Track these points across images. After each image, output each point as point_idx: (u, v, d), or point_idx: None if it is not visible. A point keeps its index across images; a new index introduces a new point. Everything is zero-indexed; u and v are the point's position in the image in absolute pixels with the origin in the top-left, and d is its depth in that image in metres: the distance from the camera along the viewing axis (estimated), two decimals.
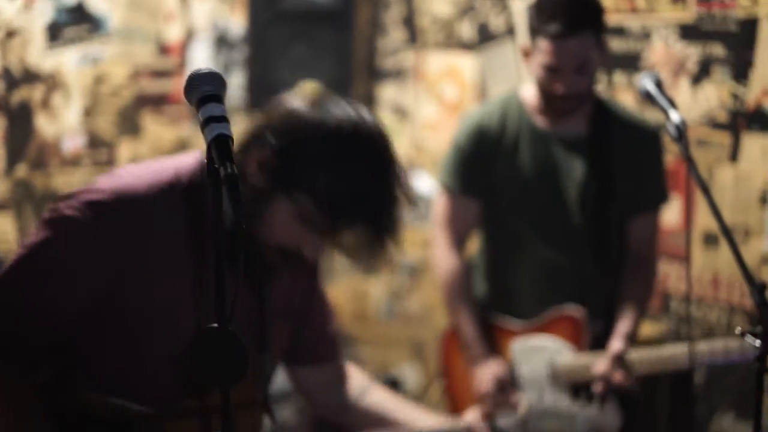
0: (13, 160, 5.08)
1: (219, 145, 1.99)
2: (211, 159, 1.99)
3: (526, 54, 3.60)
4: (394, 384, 5.06)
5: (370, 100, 5.61)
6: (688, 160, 2.82)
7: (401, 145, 5.55)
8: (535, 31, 3.50)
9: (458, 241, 3.82)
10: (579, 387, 3.65)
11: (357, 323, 5.80)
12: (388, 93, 5.60)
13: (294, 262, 2.39)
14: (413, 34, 5.43)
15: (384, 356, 5.64)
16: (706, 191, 2.74)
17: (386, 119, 5.62)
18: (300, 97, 2.40)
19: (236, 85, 5.55)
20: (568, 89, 3.50)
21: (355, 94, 5.60)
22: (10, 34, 5.06)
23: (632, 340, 3.61)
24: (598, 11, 3.56)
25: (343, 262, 5.56)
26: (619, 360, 3.51)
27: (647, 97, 3.06)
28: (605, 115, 3.72)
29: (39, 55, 5.13)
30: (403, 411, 2.86)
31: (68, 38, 5.22)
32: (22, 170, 5.06)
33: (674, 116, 2.90)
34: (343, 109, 2.35)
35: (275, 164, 2.30)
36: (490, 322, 3.82)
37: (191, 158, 2.48)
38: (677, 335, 4.42)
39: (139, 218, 2.36)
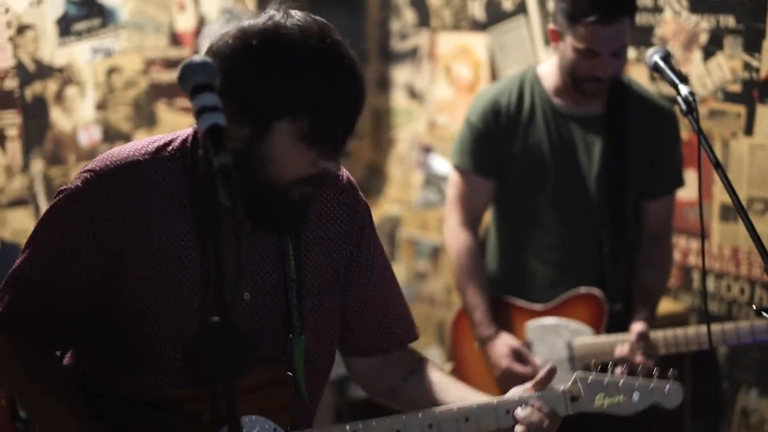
0: (30, 154, 5.10)
1: (212, 135, 1.98)
2: (207, 149, 1.97)
3: (555, 36, 3.58)
4: None
5: (384, 83, 5.59)
6: (699, 134, 2.81)
7: (417, 127, 5.53)
8: (571, 16, 3.48)
9: (471, 220, 3.80)
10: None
11: None
12: (402, 75, 5.57)
13: (320, 184, 2.34)
14: (425, 16, 5.39)
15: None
16: (718, 166, 2.72)
17: (401, 101, 5.60)
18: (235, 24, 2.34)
19: None
20: (606, 73, 3.50)
21: (366, 77, 5.57)
22: (22, 29, 5.06)
23: (652, 321, 3.58)
24: None
25: None
26: (641, 341, 3.48)
27: (656, 71, 3.05)
28: (622, 94, 3.71)
29: (51, 50, 5.13)
30: (453, 390, 2.69)
31: (80, 31, 5.21)
32: (39, 165, 5.07)
33: (683, 90, 2.89)
34: (280, 17, 2.33)
35: (250, 103, 2.25)
36: (505, 301, 3.79)
37: (186, 131, 2.46)
38: (700, 311, 4.39)
39: (138, 180, 2.35)
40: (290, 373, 2.47)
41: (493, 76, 5.07)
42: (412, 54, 5.49)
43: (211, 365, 1.95)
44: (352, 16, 5.43)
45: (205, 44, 5.30)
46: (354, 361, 2.72)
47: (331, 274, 2.54)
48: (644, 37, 4.43)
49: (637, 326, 3.52)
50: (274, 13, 2.33)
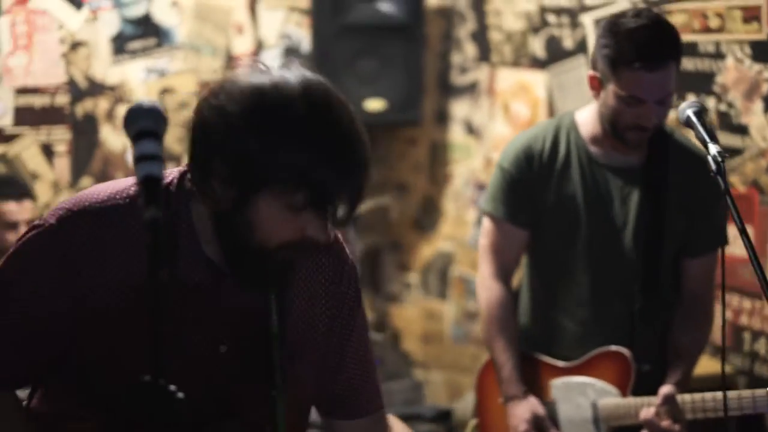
0: (78, 172, 5.08)
1: (146, 186, 1.86)
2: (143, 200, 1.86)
3: (595, 83, 3.42)
4: (446, 415, 4.89)
5: (442, 117, 5.46)
6: (726, 195, 2.69)
7: (473, 164, 5.39)
8: (614, 61, 3.32)
9: (502, 270, 3.65)
10: (618, 431, 3.46)
11: (427, 346, 5.66)
12: (461, 110, 5.44)
13: (304, 251, 2.22)
14: (486, 50, 5.26)
15: (453, 382, 5.49)
16: (743, 233, 2.63)
17: (458, 136, 5.47)
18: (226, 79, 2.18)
19: None
20: (650, 122, 3.35)
21: (426, 110, 5.46)
22: (76, 45, 5.05)
23: (684, 385, 3.40)
24: (680, 42, 3.42)
25: (416, 281, 5.44)
26: (667, 404, 3.31)
27: (688, 126, 2.92)
28: (664, 144, 3.54)
29: (104, 68, 5.11)
30: None
31: (134, 50, 5.18)
32: (87, 182, 5.04)
33: (712, 149, 2.76)
34: (274, 75, 2.14)
35: (239, 166, 2.12)
36: (532, 356, 3.64)
37: (173, 172, 2.35)
38: (750, 373, 4.18)
39: (112, 225, 2.24)
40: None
41: (551, 115, 4.92)
42: (472, 89, 5.36)
43: (143, 423, 1.87)
44: (412, 48, 5.31)
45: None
46: (331, 423, 2.63)
47: (311, 331, 2.45)
48: (704, 83, 4.24)
49: (665, 389, 3.35)
50: (278, 73, 2.15)
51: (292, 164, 2.09)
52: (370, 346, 2.62)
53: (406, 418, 4.71)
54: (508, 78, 5.14)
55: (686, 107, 2.95)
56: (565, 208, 3.55)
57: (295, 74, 2.16)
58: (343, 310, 2.49)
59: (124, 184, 2.31)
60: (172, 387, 1.86)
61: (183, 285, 2.26)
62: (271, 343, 2.33)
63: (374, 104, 5.24)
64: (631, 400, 3.43)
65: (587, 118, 3.57)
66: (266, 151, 2.09)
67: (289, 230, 2.15)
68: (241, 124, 2.10)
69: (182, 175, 2.30)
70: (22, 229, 4.45)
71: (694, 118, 2.92)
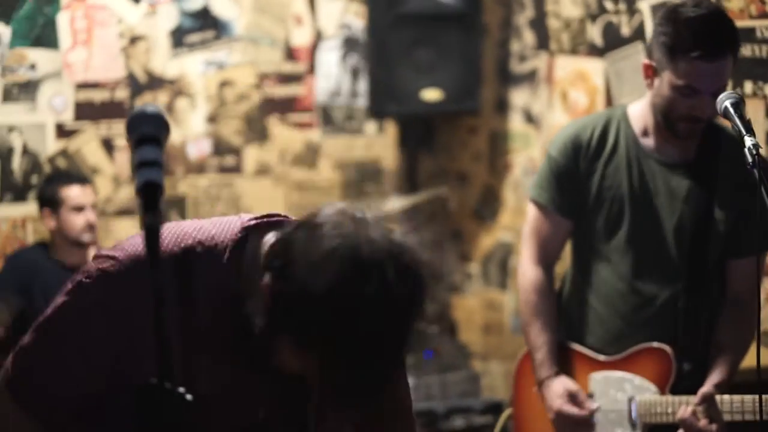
0: None
1: (146, 192, 1.87)
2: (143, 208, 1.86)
3: (651, 71, 3.37)
4: (497, 407, 4.85)
5: (502, 106, 5.42)
6: (760, 190, 2.69)
7: (533, 153, 5.35)
8: (671, 50, 3.28)
9: (544, 257, 3.62)
10: (654, 429, 3.42)
11: (487, 336, 5.63)
12: (520, 98, 5.39)
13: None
14: (544, 38, 5.20)
15: (512, 373, 5.44)
16: None
17: (518, 125, 5.43)
18: (329, 220, 2.04)
19: (364, 90, 5.45)
20: (704, 113, 3.29)
21: (483, 99, 5.42)
22: (135, 40, 5.10)
23: (725, 387, 3.34)
24: (738, 34, 3.38)
25: (476, 271, 5.41)
26: (704, 404, 3.25)
27: (725, 117, 2.91)
28: (716, 140, 3.47)
29: (163, 61, 5.15)
30: None
31: (193, 43, 5.22)
32: None
33: (748, 141, 2.75)
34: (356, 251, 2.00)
35: (272, 303, 2.05)
36: (572, 348, 3.60)
37: (230, 225, 2.31)
38: None
39: (141, 288, 2.15)
40: None
41: (609, 103, 4.85)
42: (531, 77, 5.31)
43: (151, 425, 1.89)
44: (469, 37, 5.27)
45: (320, 60, 5.27)
46: None
47: None
48: (762, 70, 4.14)
49: (704, 388, 3.29)
50: (354, 231, 2.02)
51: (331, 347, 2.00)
52: (409, 399, 2.53)
53: (457, 411, 4.72)
54: (566, 66, 5.08)
55: (724, 98, 2.93)
56: (609, 198, 3.51)
57: (381, 243, 2.02)
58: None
59: (182, 236, 2.22)
60: (180, 389, 1.87)
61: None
62: (307, 404, 2.33)
63: (431, 94, 5.21)
64: (669, 399, 3.38)
65: (639, 110, 3.52)
66: (297, 305, 1.99)
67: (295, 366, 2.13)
68: (294, 271, 2.00)
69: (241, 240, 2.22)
70: (88, 213, 4.58)
71: (731, 110, 2.89)
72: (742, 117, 2.85)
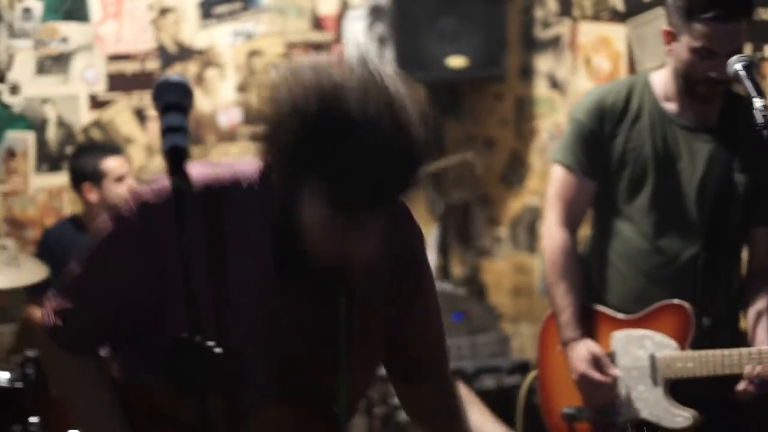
0: None
1: (172, 156, 1.96)
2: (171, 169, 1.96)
3: (670, 36, 3.45)
4: (525, 366, 4.93)
5: (526, 72, 5.48)
6: None
7: (558, 118, 5.41)
8: (688, 12, 3.35)
9: (569, 219, 3.69)
10: (676, 384, 3.49)
11: (517, 299, 5.71)
12: (544, 64, 5.44)
13: (345, 267, 2.25)
14: (567, 4, 5.25)
15: None
16: None
17: (543, 91, 5.48)
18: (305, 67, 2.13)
19: (390, 58, 5.52)
20: (722, 74, 3.35)
21: (508, 65, 5.47)
22: (164, 12, 5.19)
23: None
24: None
25: (505, 235, 5.48)
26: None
27: (736, 80, 3.00)
28: (737, 105, 3.53)
29: (192, 32, 5.24)
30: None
31: (221, 14, 5.30)
32: None
33: (758, 103, 2.83)
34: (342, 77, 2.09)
35: (288, 156, 2.13)
36: (594, 308, 3.67)
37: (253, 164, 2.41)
38: None
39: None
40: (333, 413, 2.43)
41: (631, 68, 4.90)
42: (555, 43, 5.36)
43: (185, 381, 1.98)
44: (492, 4, 5.32)
45: (347, 29, 5.33)
46: (398, 385, 2.64)
47: (382, 312, 2.46)
48: None
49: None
50: (347, 67, 2.11)
51: (327, 158, 2.07)
52: (439, 314, 2.59)
53: (486, 370, 4.80)
54: (589, 32, 5.13)
55: (735, 61, 3.00)
56: (633, 160, 3.58)
57: (359, 74, 2.10)
58: (410, 277, 2.48)
59: (216, 171, 2.30)
60: (210, 342, 1.96)
61: (252, 273, 2.32)
62: (339, 330, 2.39)
63: (456, 61, 5.28)
64: (689, 353, 3.45)
65: (661, 77, 3.60)
66: (305, 144, 2.07)
67: (327, 237, 2.16)
68: (290, 113, 2.08)
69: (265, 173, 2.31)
70: (129, 181, 4.68)
71: (742, 72, 2.94)
72: (752, 79, 2.92)
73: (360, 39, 5.59)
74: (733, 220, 3.55)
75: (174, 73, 2.18)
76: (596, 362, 3.54)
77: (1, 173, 4.88)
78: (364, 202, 2.11)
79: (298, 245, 2.21)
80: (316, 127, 2.07)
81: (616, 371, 3.54)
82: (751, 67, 2.97)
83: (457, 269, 5.80)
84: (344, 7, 5.56)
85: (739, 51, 3.33)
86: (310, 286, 2.32)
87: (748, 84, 2.90)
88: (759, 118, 2.81)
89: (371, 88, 2.10)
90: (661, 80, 3.58)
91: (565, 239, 3.66)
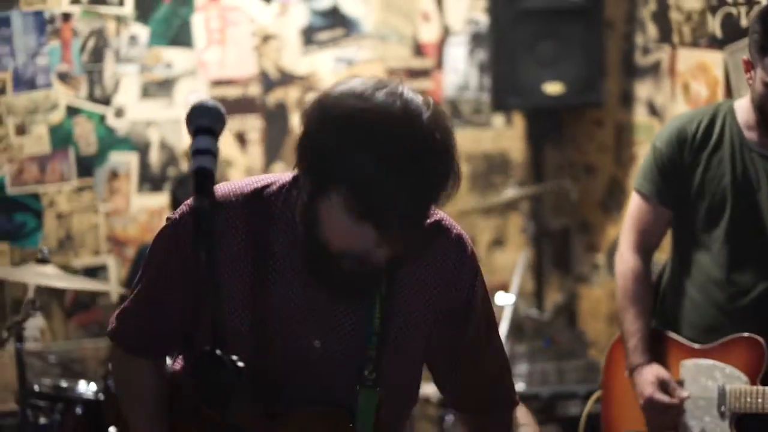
0: (271, 157, 5.36)
1: (197, 177, 2.06)
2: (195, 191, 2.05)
3: (748, 67, 3.43)
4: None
5: (627, 98, 5.45)
6: None
7: None
8: (762, 47, 3.34)
9: (643, 246, 3.69)
10: (743, 418, 3.45)
11: (612, 327, 5.66)
12: (644, 90, 5.41)
13: (364, 268, 2.30)
14: (667, 31, 5.21)
15: None
16: None
17: (642, 117, 5.45)
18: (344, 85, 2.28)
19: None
20: None
21: (607, 92, 5.46)
22: (267, 38, 5.32)
23: None
24: None
25: (603, 262, 5.45)
26: None
27: None
28: None
29: (294, 58, 5.36)
30: None
31: (323, 41, 5.41)
32: (278, 167, 5.31)
33: None
34: (379, 93, 2.21)
35: (308, 161, 2.25)
36: (665, 335, 3.66)
37: (287, 175, 2.50)
38: None
39: (226, 222, 2.41)
40: (351, 425, 2.48)
41: (729, 94, 4.83)
42: (654, 69, 5.32)
43: (203, 391, 2.07)
44: (590, 30, 5.32)
45: (448, 55, 5.39)
46: (454, 413, 2.72)
47: (422, 331, 2.52)
48: None
49: None
50: (379, 91, 2.22)
51: (353, 167, 2.16)
52: (495, 345, 2.62)
53: (558, 397, 4.79)
54: (687, 58, 5.09)
55: None
56: (712, 188, 3.56)
57: (402, 97, 2.20)
58: (461, 305, 2.53)
59: (242, 183, 2.47)
60: (233, 357, 2.04)
61: (285, 275, 2.42)
62: (368, 339, 2.46)
63: (553, 87, 5.29)
64: (760, 389, 3.40)
65: (745, 104, 3.58)
66: (340, 150, 2.17)
67: (345, 237, 2.24)
68: (321, 123, 2.22)
69: (295, 177, 2.42)
70: None
71: None
72: None
73: (460, 66, 5.64)
74: None
75: (209, 99, 2.24)
76: (663, 386, 3.52)
77: (105, 193, 5.05)
78: (380, 212, 2.18)
79: (325, 251, 2.28)
80: (347, 135, 2.17)
81: (684, 393, 3.51)
82: None
83: (555, 295, 5.78)
84: (445, 34, 5.61)
85: None
86: (343, 294, 2.39)
87: None
88: None
89: (404, 111, 2.19)
90: (745, 107, 3.56)
91: (636, 265, 3.66)
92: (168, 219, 2.52)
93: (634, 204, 3.72)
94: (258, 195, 2.43)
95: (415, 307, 2.49)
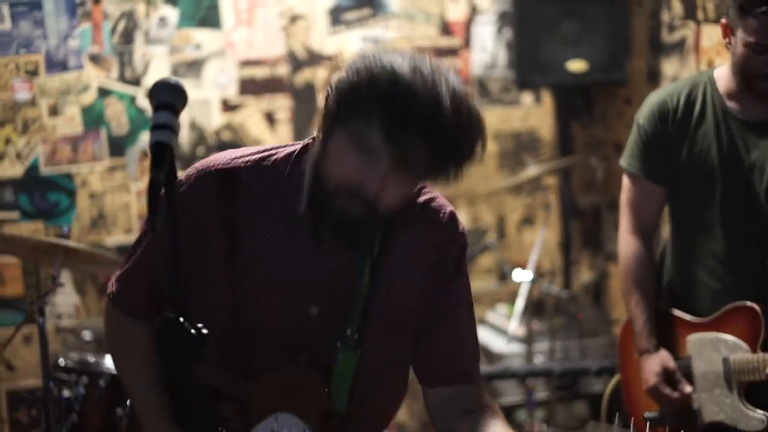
0: (299, 137, 5.41)
1: (154, 150, 2.13)
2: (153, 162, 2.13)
3: (726, 31, 3.42)
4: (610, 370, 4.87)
5: (653, 76, 5.43)
6: None
7: None
8: (742, 9, 3.32)
9: (641, 226, 3.68)
10: (753, 387, 3.45)
11: None
12: (670, 68, 5.39)
13: (357, 207, 2.38)
14: (692, 7, 5.19)
15: None
16: None
17: None
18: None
19: None
20: None
21: (632, 70, 5.45)
22: (294, 19, 5.38)
23: None
24: None
25: None
26: None
27: None
28: None
29: (321, 38, 5.41)
30: None
31: (350, 21, 5.46)
32: None
33: None
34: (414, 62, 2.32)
35: (332, 97, 2.35)
36: (670, 313, 3.66)
37: (299, 143, 2.59)
38: None
39: (228, 187, 2.52)
40: (327, 388, 2.55)
41: None
42: (680, 46, 5.30)
43: (165, 355, 2.18)
44: (614, 8, 5.31)
45: (476, 34, 5.40)
46: (424, 389, 2.75)
47: (409, 301, 2.60)
48: None
49: None
50: (406, 63, 2.32)
51: (365, 104, 2.27)
52: (470, 317, 2.70)
53: (574, 373, 4.79)
54: (711, 35, 5.07)
55: None
56: (700, 162, 3.54)
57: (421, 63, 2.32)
58: (445, 277, 2.62)
59: (250, 150, 2.59)
60: (197, 324, 2.12)
61: (285, 241, 2.52)
62: (356, 302, 2.54)
63: (576, 65, 5.28)
64: (761, 356, 3.40)
65: (724, 72, 3.55)
66: (371, 85, 2.27)
67: (350, 167, 2.31)
68: (354, 70, 2.32)
69: (305, 146, 2.55)
70: None
71: None
72: None
73: (488, 44, 5.66)
74: None
75: (171, 77, 2.31)
76: (668, 376, 3.52)
77: (136, 173, 5.16)
78: (398, 144, 2.27)
79: (327, 205, 2.38)
80: (371, 79, 2.27)
81: (687, 388, 3.51)
82: None
83: (586, 273, 5.79)
84: (473, 13, 5.63)
85: None
86: (338, 251, 2.50)
87: None
88: None
89: (430, 73, 2.30)
90: (725, 76, 3.53)
91: (636, 247, 3.66)
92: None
93: (625, 185, 3.71)
94: (263, 161, 2.54)
95: (405, 278, 2.57)
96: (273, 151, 2.57)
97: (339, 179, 2.34)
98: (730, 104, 3.52)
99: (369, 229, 2.48)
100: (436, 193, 2.61)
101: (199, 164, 2.58)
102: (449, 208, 2.62)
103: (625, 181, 3.70)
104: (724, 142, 3.51)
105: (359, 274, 2.53)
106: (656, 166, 3.61)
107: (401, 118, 2.26)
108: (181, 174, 2.54)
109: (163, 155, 2.13)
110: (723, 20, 3.42)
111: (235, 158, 2.56)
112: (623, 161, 3.69)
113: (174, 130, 2.19)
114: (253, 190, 2.53)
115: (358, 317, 2.53)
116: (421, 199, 2.58)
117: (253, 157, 2.56)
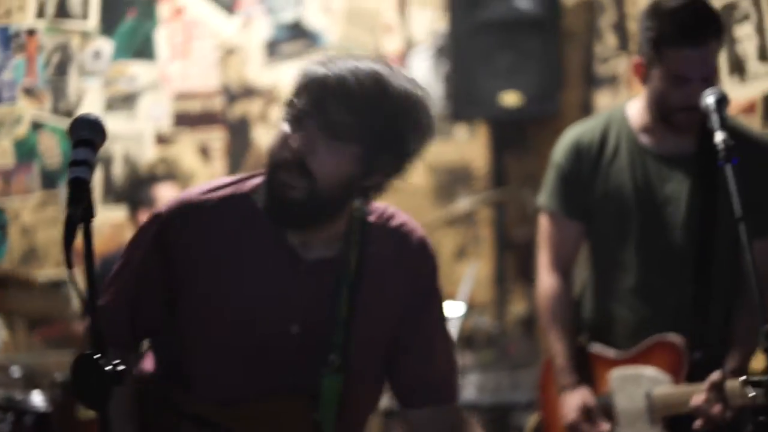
0: (233, 170, 5.41)
1: (72, 187, 2.12)
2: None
3: (639, 68, 3.45)
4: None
5: (585, 108, 5.49)
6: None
7: None
8: (656, 42, 3.37)
9: (558, 262, 3.69)
10: (675, 420, 3.44)
11: None
12: (603, 101, 5.45)
13: (300, 178, 2.43)
14: (625, 40, 5.26)
15: None
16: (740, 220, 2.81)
17: None
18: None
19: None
20: (697, 100, 3.33)
21: (565, 102, 5.50)
22: (230, 51, 5.39)
23: (741, 371, 3.36)
24: (720, 20, 3.43)
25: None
26: (714, 391, 3.26)
27: (705, 112, 3.07)
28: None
29: (257, 71, 5.42)
30: None
31: (286, 54, 5.47)
32: None
33: (717, 137, 2.95)
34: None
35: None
36: (589, 350, 3.67)
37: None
38: None
39: (200, 222, 2.56)
40: (312, 410, 2.58)
41: None
42: (613, 79, 5.36)
43: (80, 393, 2.13)
44: (548, 41, 5.35)
45: (412, 67, 5.43)
46: (403, 411, 2.79)
47: (387, 324, 2.65)
48: None
49: (714, 375, 3.30)
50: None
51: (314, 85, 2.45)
52: (446, 337, 2.75)
53: (503, 407, 4.80)
54: None
55: (709, 93, 3.06)
56: (615, 198, 3.55)
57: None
58: (419, 299, 2.67)
59: (222, 182, 2.62)
60: (113, 360, 2.11)
61: (263, 264, 2.55)
62: (337, 326, 2.58)
63: (510, 97, 5.33)
64: (684, 388, 3.40)
65: (637, 108, 3.57)
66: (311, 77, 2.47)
67: (281, 135, 2.45)
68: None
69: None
70: None
71: (713, 106, 3.01)
72: (720, 114, 2.99)
73: (424, 77, 5.69)
74: (722, 248, 3.50)
75: (90, 113, 2.32)
76: (588, 413, 3.52)
77: None
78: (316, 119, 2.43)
79: (271, 184, 2.45)
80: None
81: (605, 426, 3.51)
82: (722, 101, 3.00)
83: (519, 305, 5.82)
84: (409, 45, 5.66)
85: (713, 73, 3.34)
86: (319, 273, 2.56)
87: (713, 118, 2.97)
88: (720, 153, 2.89)
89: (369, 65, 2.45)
90: (637, 112, 3.55)
91: (554, 284, 3.67)
92: (152, 214, 2.63)
93: (543, 224, 3.70)
94: (237, 190, 2.58)
95: (381, 301, 2.62)
96: (247, 181, 2.61)
97: (274, 150, 2.45)
98: (644, 139, 3.54)
99: (314, 208, 2.49)
100: (406, 217, 2.68)
101: (173, 198, 2.62)
102: (419, 232, 2.68)
103: (543, 219, 3.71)
104: (638, 177, 3.53)
105: (337, 297, 2.57)
106: (574, 203, 3.62)
107: (324, 85, 2.42)
108: (157, 208, 2.61)
109: (81, 191, 2.13)
110: (635, 59, 3.45)
111: (209, 190, 2.59)
112: (541, 200, 3.70)
113: (92, 166, 2.18)
114: (229, 219, 2.56)
115: (339, 344, 2.57)
116: (393, 224, 2.65)
117: (228, 188, 2.59)
